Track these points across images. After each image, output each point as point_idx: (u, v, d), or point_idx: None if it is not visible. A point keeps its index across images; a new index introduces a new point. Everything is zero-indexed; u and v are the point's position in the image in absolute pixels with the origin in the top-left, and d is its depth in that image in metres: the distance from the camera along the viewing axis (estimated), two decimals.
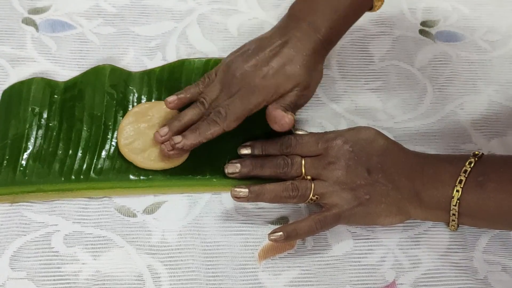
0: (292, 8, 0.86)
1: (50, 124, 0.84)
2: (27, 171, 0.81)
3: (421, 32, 0.99)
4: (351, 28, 0.97)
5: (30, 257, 0.76)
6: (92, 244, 0.77)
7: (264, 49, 0.83)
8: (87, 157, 0.83)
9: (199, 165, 0.83)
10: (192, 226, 0.79)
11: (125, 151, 0.83)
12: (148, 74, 0.90)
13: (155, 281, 0.75)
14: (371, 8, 0.87)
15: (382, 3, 0.86)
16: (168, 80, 0.90)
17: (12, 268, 0.75)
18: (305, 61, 0.82)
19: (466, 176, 0.76)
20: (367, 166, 0.78)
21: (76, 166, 0.82)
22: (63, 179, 0.81)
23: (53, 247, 0.77)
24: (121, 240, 0.78)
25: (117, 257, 0.77)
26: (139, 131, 0.84)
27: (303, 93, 0.83)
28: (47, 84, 0.87)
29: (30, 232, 0.77)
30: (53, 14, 0.95)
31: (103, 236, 0.78)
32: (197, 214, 0.80)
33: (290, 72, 0.82)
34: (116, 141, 0.84)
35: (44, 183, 0.80)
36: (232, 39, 0.95)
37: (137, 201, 0.81)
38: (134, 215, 0.80)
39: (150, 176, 0.82)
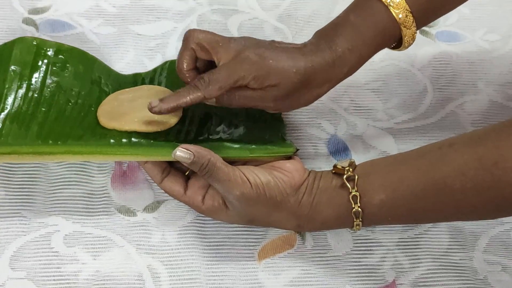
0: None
1: (32, 86, 0.81)
2: (3, 131, 0.78)
3: (421, 32, 0.99)
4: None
5: (30, 257, 0.76)
6: (92, 244, 0.77)
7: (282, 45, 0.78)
8: (68, 124, 0.79)
9: (188, 128, 0.80)
10: (192, 225, 0.79)
11: (103, 121, 0.79)
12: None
13: (155, 281, 0.75)
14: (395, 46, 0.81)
15: (412, 40, 0.79)
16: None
17: (12, 268, 0.75)
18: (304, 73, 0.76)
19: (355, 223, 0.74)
20: (245, 220, 0.77)
21: (55, 130, 0.78)
22: (40, 142, 0.77)
23: (53, 247, 0.77)
24: (121, 240, 0.78)
25: (117, 257, 0.77)
26: (119, 103, 0.81)
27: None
28: (31, 44, 0.83)
29: (30, 232, 0.77)
30: (53, 14, 0.95)
31: (103, 236, 0.78)
32: (197, 213, 0.80)
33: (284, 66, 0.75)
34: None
35: (20, 145, 0.76)
36: None
37: (137, 200, 0.81)
38: (134, 214, 0.80)
39: (133, 140, 0.78)
